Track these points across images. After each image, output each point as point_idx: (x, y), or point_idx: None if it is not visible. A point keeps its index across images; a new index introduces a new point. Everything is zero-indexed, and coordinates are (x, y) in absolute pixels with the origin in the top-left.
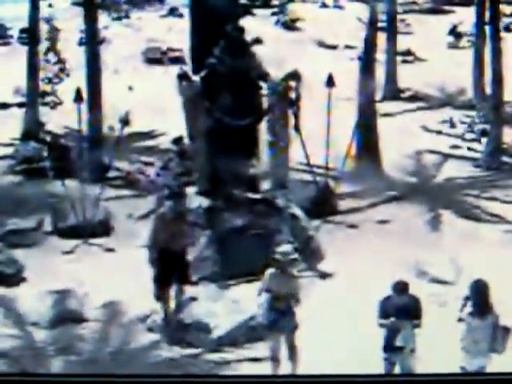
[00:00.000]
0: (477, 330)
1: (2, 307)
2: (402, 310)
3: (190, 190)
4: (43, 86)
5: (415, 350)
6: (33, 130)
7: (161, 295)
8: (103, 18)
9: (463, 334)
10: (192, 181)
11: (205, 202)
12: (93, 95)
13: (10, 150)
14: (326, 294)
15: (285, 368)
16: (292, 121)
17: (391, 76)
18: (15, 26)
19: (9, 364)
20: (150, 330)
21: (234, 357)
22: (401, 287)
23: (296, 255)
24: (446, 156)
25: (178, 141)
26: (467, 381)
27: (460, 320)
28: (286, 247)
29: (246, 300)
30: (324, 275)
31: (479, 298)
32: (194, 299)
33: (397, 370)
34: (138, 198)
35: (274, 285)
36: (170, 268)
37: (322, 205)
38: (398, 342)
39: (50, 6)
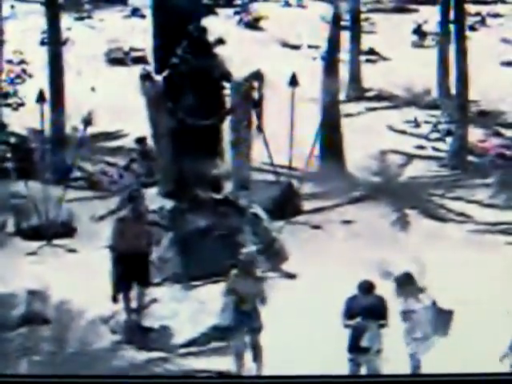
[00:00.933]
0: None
1: None
2: (367, 309)
3: (153, 191)
4: (5, 87)
5: (381, 350)
6: None
7: (118, 297)
8: (65, 19)
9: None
10: (154, 181)
11: (168, 202)
12: (55, 96)
13: None
14: (290, 295)
15: (249, 369)
16: (255, 121)
17: (355, 75)
18: None
19: None
20: (113, 331)
21: (197, 358)
22: (366, 286)
23: (259, 256)
24: (411, 156)
25: (141, 141)
26: (431, 381)
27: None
28: (249, 248)
29: (211, 301)
30: (288, 276)
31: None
32: (155, 300)
33: (363, 371)
34: (101, 199)
35: (238, 286)
36: (130, 269)
37: (286, 205)
38: (364, 343)
39: (12, 7)
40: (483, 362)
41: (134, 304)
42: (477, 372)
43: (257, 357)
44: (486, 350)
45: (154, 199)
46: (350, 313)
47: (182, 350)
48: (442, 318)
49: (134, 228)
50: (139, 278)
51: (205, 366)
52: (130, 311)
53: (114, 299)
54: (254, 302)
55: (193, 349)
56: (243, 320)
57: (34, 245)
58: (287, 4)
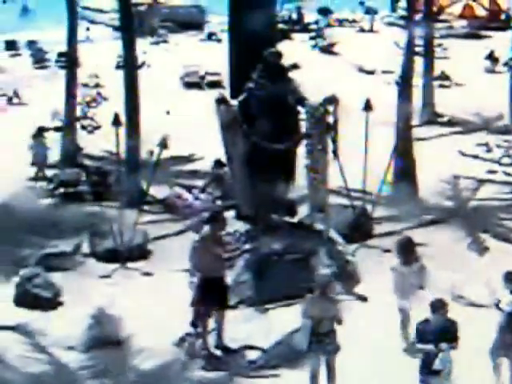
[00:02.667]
0: (404, 276)
1: (37, 331)
2: (439, 332)
3: (228, 214)
4: (81, 110)
5: (451, 372)
6: (70, 154)
7: (199, 320)
8: (141, 43)
9: (394, 280)
10: (229, 205)
11: (242, 225)
12: (131, 119)
13: (48, 174)
14: (363, 317)
15: None
16: (330, 145)
17: (428, 100)
18: (53, 49)
19: None
20: (188, 354)
21: (270, 380)
22: (439, 305)
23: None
24: (483, 180)
25: (219, 164)
26: None
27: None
28: (325, 271)
29: (284, 323)
30: (360, 298)
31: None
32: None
33: None
34: (175, 221)
35: (314, 308)
36: (210, 292)
37: (359, 229)
38: (437, 366)
39: (88, 29)
40: None
41: (211, 327)
42: None
43: (331, 378)
44: None
45: (230, 222)
46: (421, 336)
47: (256, 373)
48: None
49: (213, 250)
50: (219, 301)
51: None
52: (206, 334)
53: (194, 324)
54: (331, 323)
55: (267, 371)
56: (320, 342)
57: (109, 267)
58: (362, 30)
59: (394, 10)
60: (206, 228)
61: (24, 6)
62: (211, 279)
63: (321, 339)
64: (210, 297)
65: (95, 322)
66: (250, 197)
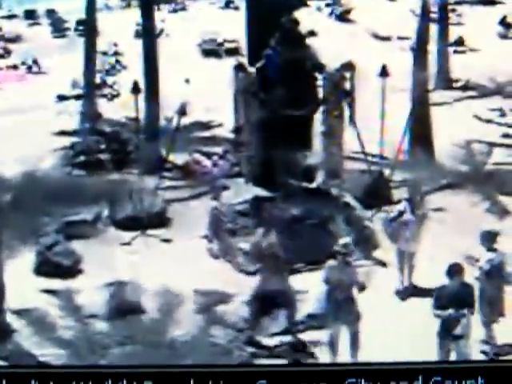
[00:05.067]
0: None
1: (65, 298)
2: (457, 298)
3: (240, 180)
4: (100, 78)
5: (470, 337)
6: (91, 122)
7: None
8: (160, 11)
9: None
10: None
11: (259, 191)
12: (150, 87)
13: (68, 141)
14: (383, 282)
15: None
16: (347, 111)
17: (443, 66)
18: (72, 18)
19: (69, 354)
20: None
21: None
22: (456, 269)
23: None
24: (497, 144)
25: (238, 129)
26: None
27: None
28: (345, 239)
29: (307, 289)
30: (380, 263)
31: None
32: None
33: (452, 357)
34: (195, 188)
35: (334, 275)
36: None
37: (377, 194)
38: (458, 331)
39: None
40: None
41: None
42: None
43: (354, 346)
44: None
45: (246, 189)
46: (439, 302)
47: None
48: None
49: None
50: None
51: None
52: None
53: None
54: (350, 290)
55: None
56: (339, 308)
57: (129, 235)
58: None
59: None
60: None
61: None
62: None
63: (340, 306)
64: None
65: (117, 290)
66: (266, 162)
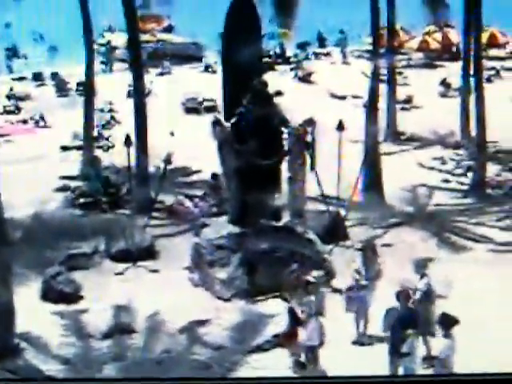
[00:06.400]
0: None
1: (67, 320)
2: (403, 320)
3: (222, 219)
4: (97, 132)
5: (417, 355)
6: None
7: None
8: (149, 74)
9: None
10: (224, 211)
11: (235, 229)
12: (140, 139)
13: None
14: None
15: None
16: (308, 160)
17: (391, 121)
18: (73, 80)
19: (68, 369)
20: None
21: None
22: (403, 295)
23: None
24: (438, 188)
25: (215, 176)
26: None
27: None
28: (317, 273)
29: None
30: (335, 290)
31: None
32: None
33: (400, 371)
34: (179, 226)
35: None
36: None
37: (334, 231)
38: (404, 349)
39: (103, 63)
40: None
41: None
42: None
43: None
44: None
45: (223, 226)
46: (388, 322)
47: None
48: None
49: None
50: None
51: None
52: None
53: None
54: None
55: (258, 356)
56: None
57: (122, 266)
58: (334, 62)
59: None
60: None
61: (51, 46)
62: None
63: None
64: None
65: (112, 314)
66: (241, 204)
